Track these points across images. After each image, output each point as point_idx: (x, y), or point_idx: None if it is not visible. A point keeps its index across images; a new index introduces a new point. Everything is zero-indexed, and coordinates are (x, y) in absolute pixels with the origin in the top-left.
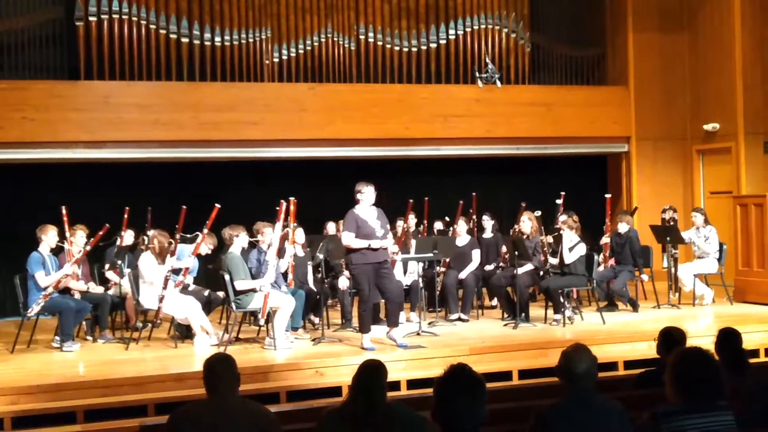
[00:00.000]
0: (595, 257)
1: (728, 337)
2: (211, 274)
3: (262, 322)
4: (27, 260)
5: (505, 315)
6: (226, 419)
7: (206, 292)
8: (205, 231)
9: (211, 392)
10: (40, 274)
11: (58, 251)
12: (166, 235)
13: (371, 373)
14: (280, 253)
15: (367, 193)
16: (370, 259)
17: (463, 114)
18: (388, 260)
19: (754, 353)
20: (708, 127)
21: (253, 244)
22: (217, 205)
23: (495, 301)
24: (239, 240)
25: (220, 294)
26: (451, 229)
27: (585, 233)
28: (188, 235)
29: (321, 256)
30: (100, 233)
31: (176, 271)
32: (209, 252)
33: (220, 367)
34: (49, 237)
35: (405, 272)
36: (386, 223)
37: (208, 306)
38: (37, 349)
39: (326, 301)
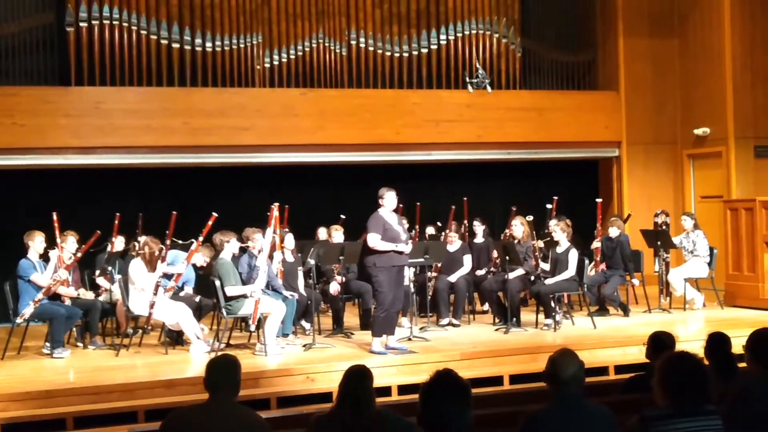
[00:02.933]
0: (586, 262)
1: (718, 342)
2: (201, 280)
3: (252, 328)
4: (17, 269)
5: (497, 320)
6: (219, 425)
7: (197, 298)
8: (201, 239)
9: (212, 393)
10: (36, 275)
11: (46, 258)
12: (157, 242)
13: (357, 378)
14: (271, 258)
15: (388, 198)
16: (395, 262)
17: (454, 119)
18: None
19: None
20: (698, 131)
21: (244, 250)
22: (214, 214)
23: (486, 306)
24: (230, 246)
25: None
26: (443, 234)
27: (576, 238)
28: (183, 242)
29: (312, 262)
30: (92, 240)
31: (168, 276)
32: (204, 264)
33: (224, 368)
34: (36, 243)
35: None
36: (407, 231)
37: (198, 312)
38: (28, 356)
39: (317, 306)
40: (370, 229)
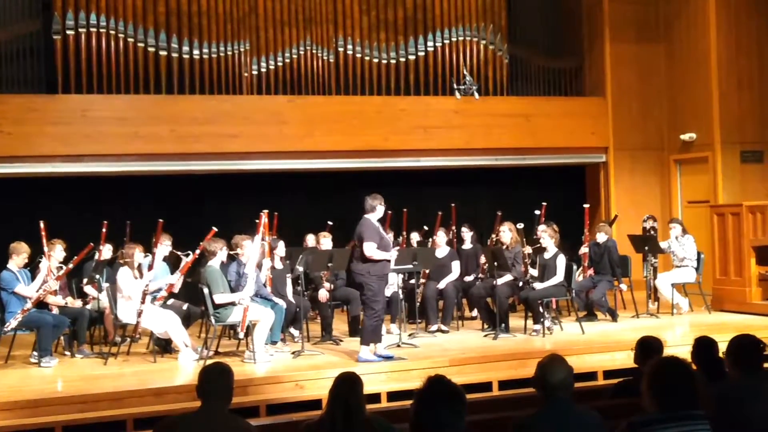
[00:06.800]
0: (574, 267)
1: (704, 346)
2: (190, 288)
3: (241, 335)
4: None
5: (485, 326)
6: None
7: (185, 306)
8: (198, 251)
9: (204, 401)
10: (20, 287)
11: (32, 267)
12: (136, 247)
13: (347, 385)
14: (260, 265)
15: (382, 207)
16: (387, 270)
17: (441, 125)
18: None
19: None
20: (685, 137)
21: (232, 257)
22: (214, 228)
23: (475, 312)
24: (219, 253)
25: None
26: (431, 240)
27: (563, 243)
28: (180, 253)
29: (300, 269)
30: (84, 251)
31: (159, 289)
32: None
33: (217, 376)
34: (19, 258)
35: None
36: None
37: (186, 320)
38: (15, 365)
39: (306, 313)
40: (365, 237)
